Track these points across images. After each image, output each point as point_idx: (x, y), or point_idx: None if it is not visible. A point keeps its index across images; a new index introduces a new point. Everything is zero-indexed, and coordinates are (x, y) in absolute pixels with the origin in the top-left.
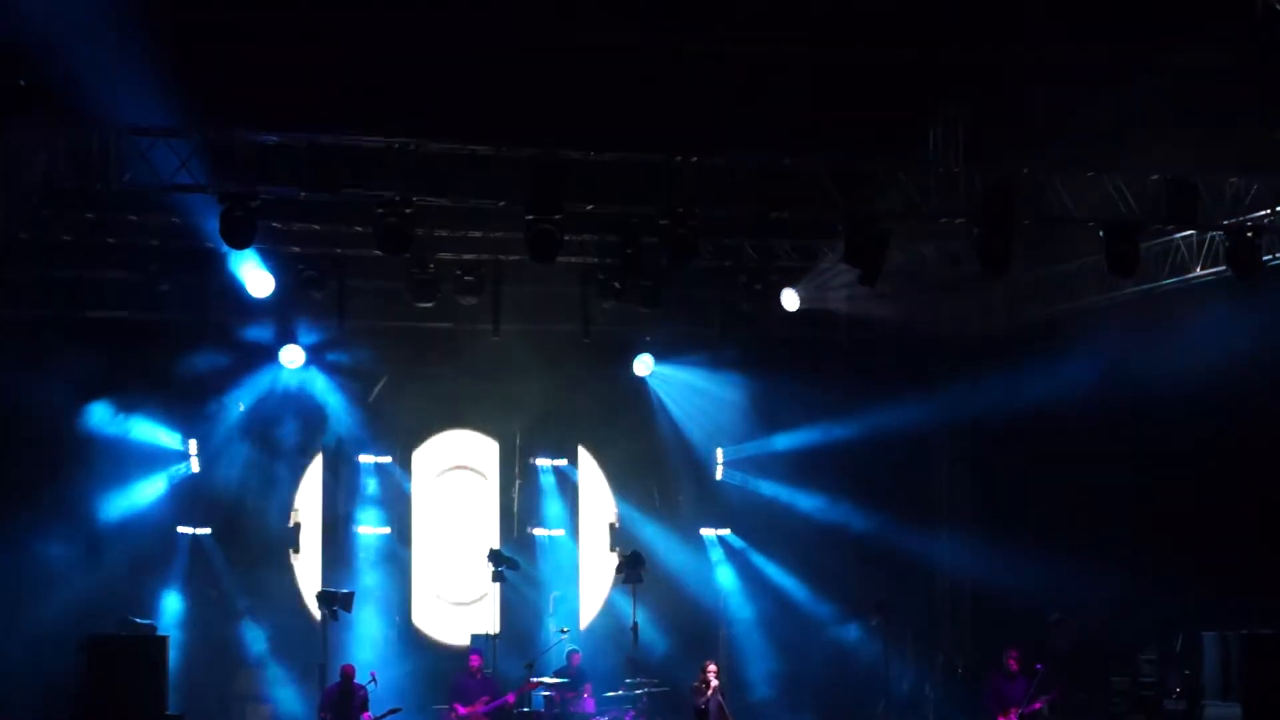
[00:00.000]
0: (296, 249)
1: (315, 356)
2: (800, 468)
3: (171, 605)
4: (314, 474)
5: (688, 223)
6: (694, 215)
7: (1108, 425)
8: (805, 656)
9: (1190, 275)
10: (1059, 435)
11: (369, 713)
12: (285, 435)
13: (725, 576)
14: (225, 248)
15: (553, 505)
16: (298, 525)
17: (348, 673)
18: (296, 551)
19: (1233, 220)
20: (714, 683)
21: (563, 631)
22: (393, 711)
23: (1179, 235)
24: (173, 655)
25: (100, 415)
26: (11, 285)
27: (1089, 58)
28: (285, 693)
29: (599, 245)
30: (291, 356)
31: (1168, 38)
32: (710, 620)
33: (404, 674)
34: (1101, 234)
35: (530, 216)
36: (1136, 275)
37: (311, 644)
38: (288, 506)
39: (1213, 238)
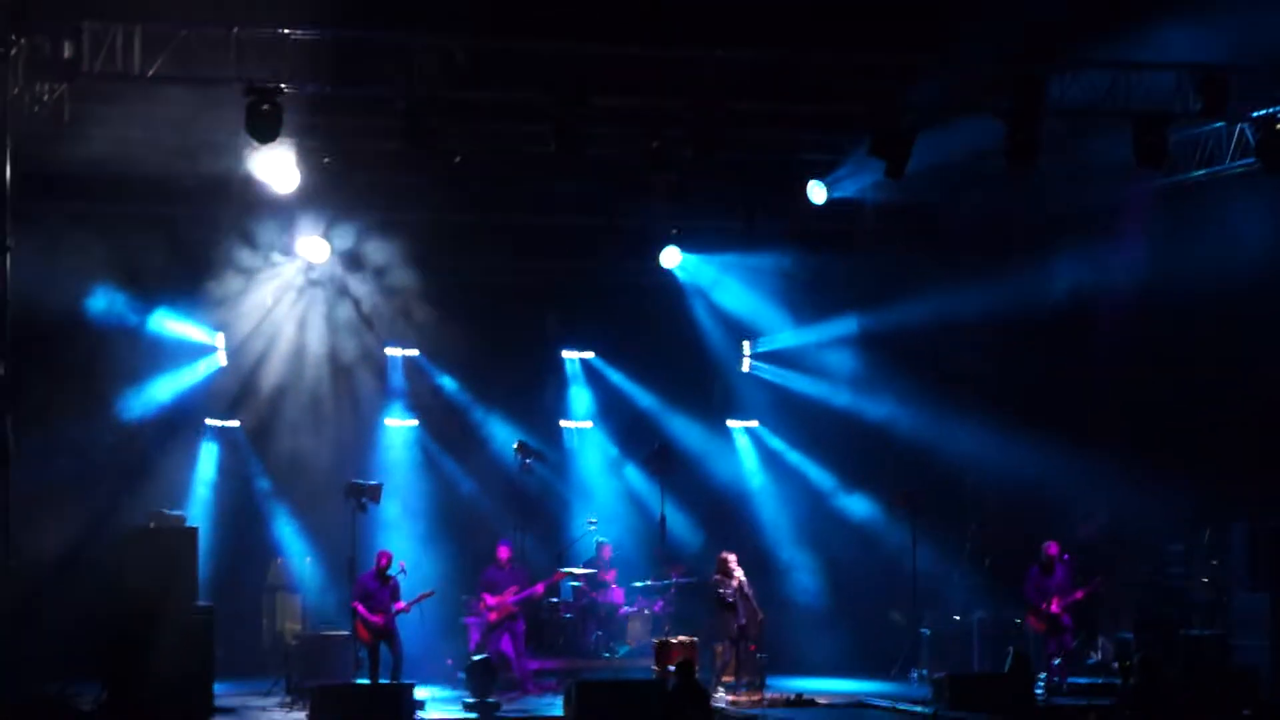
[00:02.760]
0: (321, 144)
1: (339, 250)
2: (828, 360)
3: (202, 497)
4: (342, 366)
5: (713, 116)
6: (719, 108)
7: (1137, 317)
8: (831, 545)
9: (1219, 167)
10: (1089, 327)
11: (401, 602)
12: (312, 328)
13: (752, 468)
14: (250, 141)
15: (581, 397)
16: (326, 417)
17: (382, 561)
18: (325, 445)
19: (1262, 113)
20: (738, 573)
21: (591, 523)
22: (426, 595)
23: (1209, 127)
24: (203, 547)
25: (128, 309)
26: (39, 178)
27: None
28: (314, 583)
29: (625, 139)
30: (314, 250)
31: None
32: (737, 511)
33: (432, 565)
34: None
35: (556, 110)
36: (1165, 167)
37: (341, 535)
38: (316, 399)
39: (1242, 129)
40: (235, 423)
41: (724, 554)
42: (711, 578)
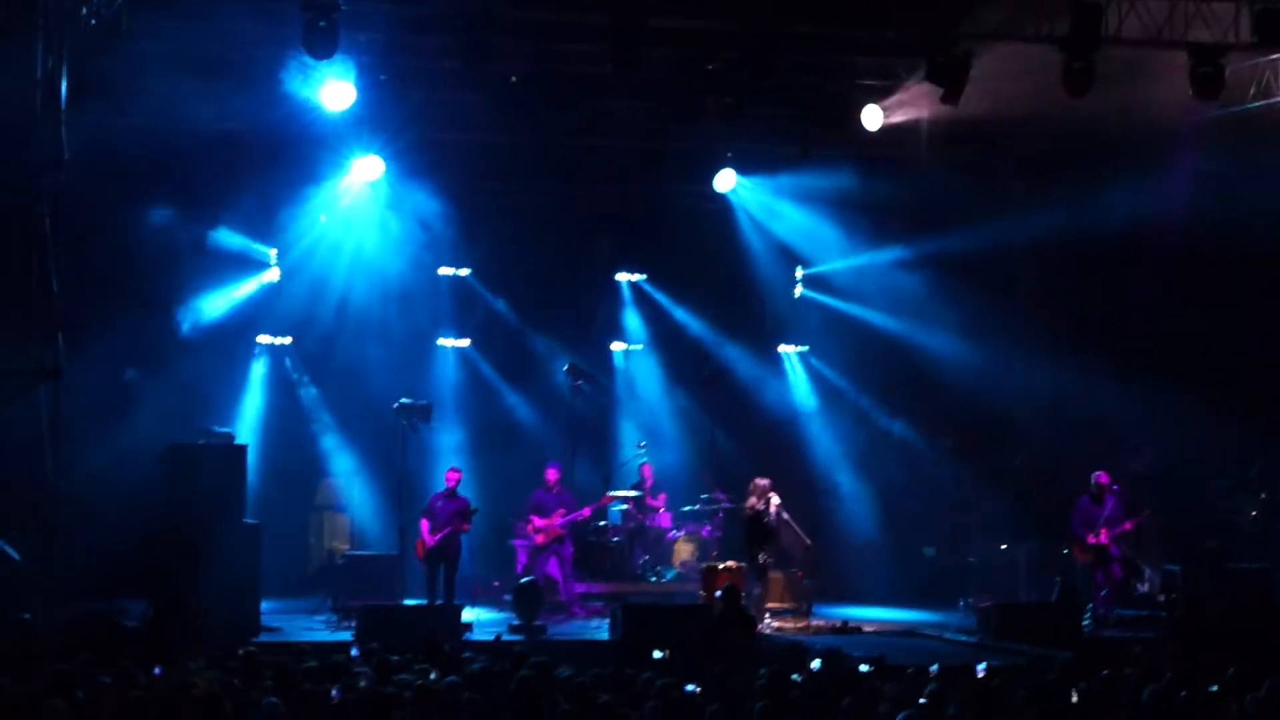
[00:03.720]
0: (377, 61)
1: (393, 169)
2: (879, 286)
3: (251, 414)
4: (394, 286)
5: (769, 39)
6: (776, 31)
7: (1190, 250)
8: (880, 474)
9: (1275, 99)
10: (1140, 259)
11: (468, 524)
12: (365, 247)
13: (803, 394)
14: (306, 58)
15: (632, 319)
16: (378, 337)
17: (451, 480)
18: (376, 364)
19: None
20: (774, 499)
21: (640, 446)
22: (471, 511)
23: (1265, 59)
24: (252, 465)
25: (183, 223)
26: (94, 92)
27: None
28: (363, 503)
29: (681, 61)
30: (368, 169)
31: None
32: (786, 437)
33: (481, 486)
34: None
35: (613, 31)
36: (1221, 98)
37: (390, 455)
38: (368, 318)
39: None
40: (287, 340)
41: (758, 479)
42: (748, 504)
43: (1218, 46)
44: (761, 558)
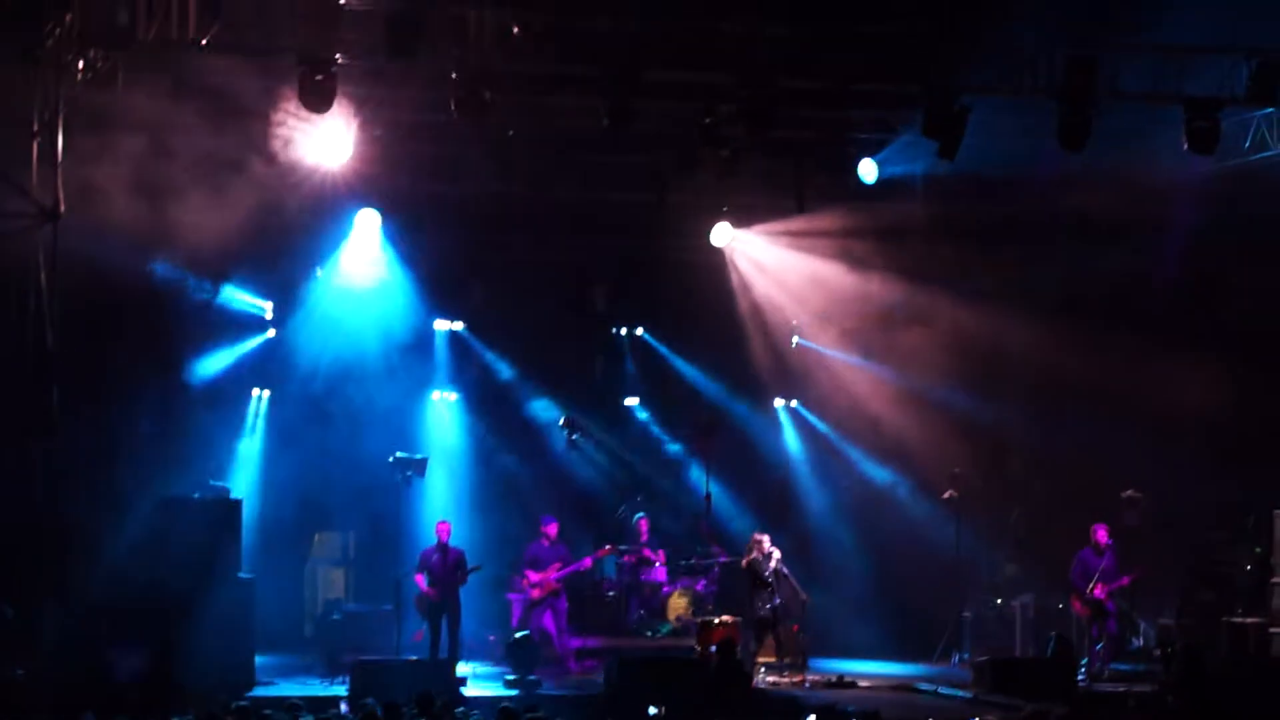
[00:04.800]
0: (374, 116)
1: (388, 221)
2: (876, 339)
3: (248, 468)
4: (389, 339)
5: (765, 93)
6: (772, 85)
7: (1186, 301)
8: (876, 528)
9: (1270, 153)
10: (1136, 311)
11: (463, 573)
12: (360, 300)
13: (799, 447)
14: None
15: (629, 372)
16: (373, 390)
17: (442, 534)
18: (372, 418)
19: None
20: (774, 553)
21: (637, 499)
22: (474, 569)
23: (1259, 113)
24: (247, 518)
25: (182, 277)
26: (93, 143)
27: None
28: (359, 556)
29: (677, 115)
30: (365, 222)
31: None
32: (782, 490)
33: (476, 540)
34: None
35: (609, 85)
36: (1216, 152)
37: (386, 509)
38: (364, 371)
39: None
40: (286, 392)
41: (757, 535)
42: (748, 557)
43: (1213, 100)
44: (760, 609)
